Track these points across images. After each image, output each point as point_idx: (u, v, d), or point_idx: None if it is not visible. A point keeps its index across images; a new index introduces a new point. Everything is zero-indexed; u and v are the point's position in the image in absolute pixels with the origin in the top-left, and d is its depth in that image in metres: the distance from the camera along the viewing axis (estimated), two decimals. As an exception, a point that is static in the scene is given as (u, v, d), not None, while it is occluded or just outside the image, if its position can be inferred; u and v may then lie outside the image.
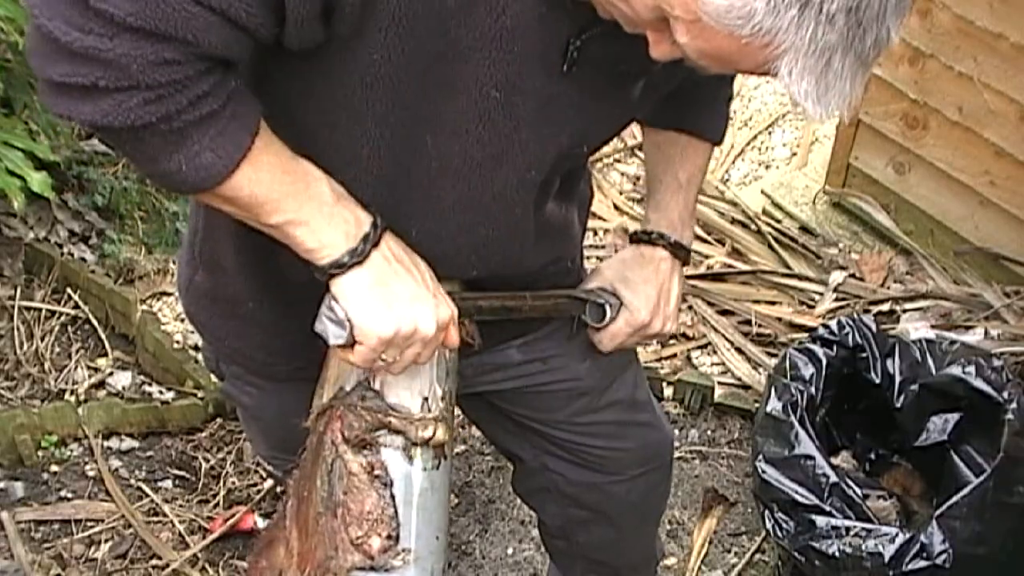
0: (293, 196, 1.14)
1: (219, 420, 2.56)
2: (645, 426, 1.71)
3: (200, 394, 2.57)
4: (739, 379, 2.75)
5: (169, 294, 2.88)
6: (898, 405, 2.27)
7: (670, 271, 1.51)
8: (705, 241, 3.14)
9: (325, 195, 1.16)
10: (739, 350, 2.80)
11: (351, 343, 1.21)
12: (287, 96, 1.16)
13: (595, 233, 3.13)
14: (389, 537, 1.27)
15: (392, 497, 1.27)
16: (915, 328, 2.57)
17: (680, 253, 1.52)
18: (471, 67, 1.11)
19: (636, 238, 1.53)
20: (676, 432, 2.54)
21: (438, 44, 1.08)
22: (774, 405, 2.18)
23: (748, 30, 0.94)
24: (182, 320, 2.76)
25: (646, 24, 1.04)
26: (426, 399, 1.32)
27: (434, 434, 1.30)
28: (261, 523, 2.33)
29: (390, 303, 1.19)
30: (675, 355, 2.83)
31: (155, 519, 2.36)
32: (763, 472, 2.11)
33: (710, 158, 1.59)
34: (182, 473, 2.48)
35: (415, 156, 1.19)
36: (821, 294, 2.96)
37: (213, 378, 2.33)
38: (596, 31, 1.13)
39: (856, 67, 0.97)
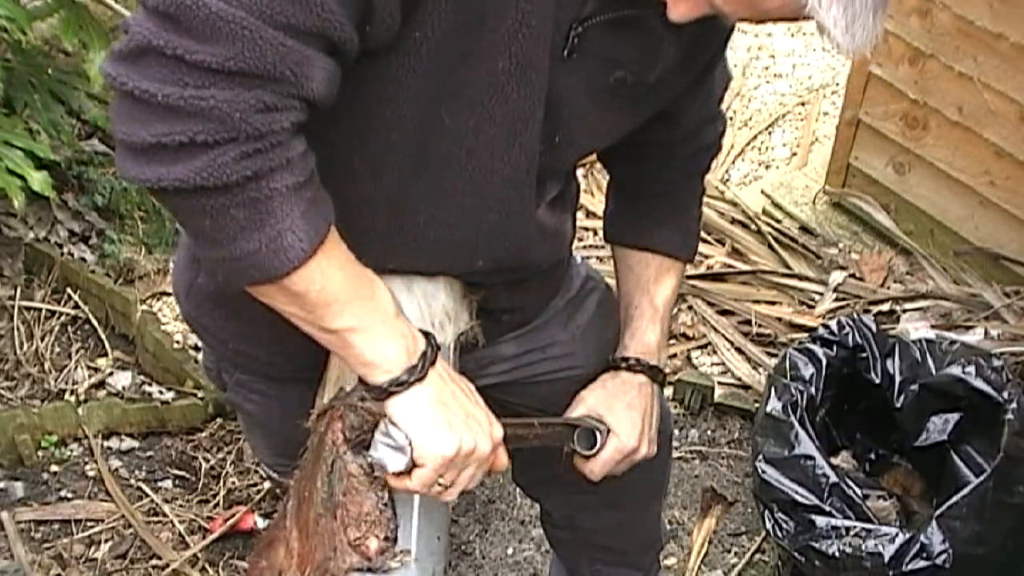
0: (360, 300, 1.11)
1: (219, 420, 2.56)
2: None
3: (200, 394, 2.57)
4: (739, 379, 2.75)
5: (169, 294, 2.88)
6: (898, 405, 2.27)
7: (650, 395, 1.55)
8: (705, 241, 3.14)
9: (388, 306, 1.14)
10: (739, 350, 2.80)
11: (410, 469, 1.20)
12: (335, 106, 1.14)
13: (595, 233, 3.13)
14: (387, 539, 1.27)
15: (391, 498, 1.27)
16: (915, 328, 2.57)
17: (657, 377, 1.56)
18: (493, 35, 1.09)
19: (615, 365, 1.55)
20: (676, 432, 2.54)
21: (471, 11, 1.07)
22: (774, 405, 2.18)
23: None
24: (182, 320, 2.76)
25: None
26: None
27: None
28: (261, 523, 2.33)
29: (451, 422, 1.19)
30: (675, 355, 2.83)
31: (155, 519, 2.36)
32: (763, 472, 2.11)
33: (683, 274, 1.64)
34: (182, 473, 2.48)
35: (433, 136, 1.16)
36: (821, 294, 2.96)
37: (213, 385, 2.34)
38: (596, 20, 1.14)
39: (875, 1, 1.00)
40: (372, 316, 1.12)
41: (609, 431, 1.50)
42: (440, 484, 1.22)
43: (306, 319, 1.11)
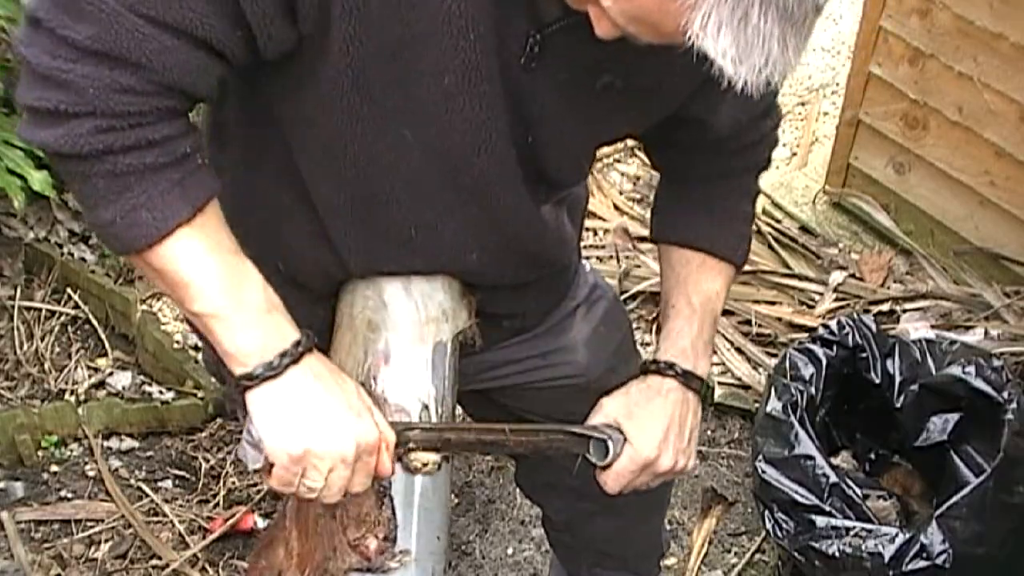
0: (221, 289, 1.12)
1: (219, 420, 2.56)
2: None
3: (200, 394, 2.57)
4: (739, 379, 2.74)
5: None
6: (898, 405, 2.27)
7: (680, 402, 1.42)
8: (705, 241, 3.14)
9: (256, 300, 1.14)
10: (739, 350, 2.80)
11: (268, 467, 1.18)
12: (271, 104, 1.18)
13: (595, 233, 3.13)
14: (386, 539, 1.27)
15: (390, 499, 1.27)
16: (915, 328, 2.57)
17: (693, 384, 1.43)
18: (429, 53, 1.10)
19: (644, 368, 1.45)
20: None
21: (394, 31, 1.08)
22: (774, 405, 2.18)
23: None
24: (182, 320, 2.76)
25: None
26: (425, 406, 1.32)
27: (430, 471, 1.30)
28: (261, 523, 2.33)
29: (302, 422, 1.16)
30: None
31: (155, 519, 2.36)
32: (763, 472, 2.11)
33: (731, 280, 1.50)
34: (182, 473, 2.47)
35: (397, 148, 1.18)
36: (821, 294, 2.95)
37: (213, 379, 2.33)
38: (558, 26, 1.12)
39: (783, 25, 0.92)
40: (234, 306, 1.13)
41: (625, 440, 1.40)
42: (306, 485, 1.19)
43: (171, 297, 1.15)
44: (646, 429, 1.40)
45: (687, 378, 1.42)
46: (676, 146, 1.43)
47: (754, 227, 3.09)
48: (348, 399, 1.20)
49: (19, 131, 1.08)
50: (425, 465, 1.30)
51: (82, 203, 1.12)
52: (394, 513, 1.28)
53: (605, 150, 3.41)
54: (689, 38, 0.93)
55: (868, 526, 2.00)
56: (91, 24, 1.00)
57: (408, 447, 1.29)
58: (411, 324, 1.33)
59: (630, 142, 3.43)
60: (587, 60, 1.16)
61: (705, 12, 0.91)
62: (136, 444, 2.52)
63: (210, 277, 1.12)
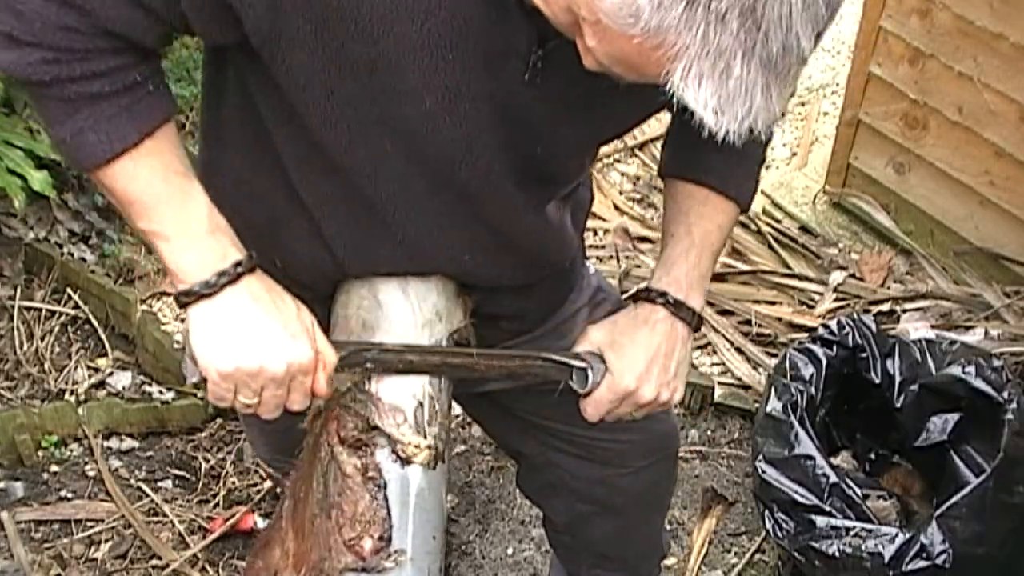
0: (165, 209, 1.17)
1: (219, 420, 2.56)
2: (649, 418, 1.71)
3: (200, 394, 2.56)
4: (739, 379, 2.74)
5: (169, 294, 2.88)
6: (898, 405, 2.27)
7: (669, 333, 1.38)
8: (705, 241, 3.14)
9: (198, 219, 1.18)
10: (739, 350, 2.80)
11: (203, 381, 1.20)
12: (260, 104, 1.21)
13: (595, 233, 3.13)
14: (381, 538, 1.27)
15: (386, 499, 1.27)
16: (915, 328, 2.57)
17: (684, 314, 1.39)
18: (408, 75, 1.11)
19: (635, 296, 1.42)
20: (676, 432, 2.54)
21: (368, 52, 1.09)
22: (774, 405, 2.18)
23: (638, 29, 0.90)
24: (182, 320, 2.76)
25: (568, 28, 1.02)
26: (420, 404, 1.32)
27: (423, 460, 1.30)
28: (261, 523, 2.33)
29: (234, 338, 1.18)
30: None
31: (155, 519, 2.36)
32: (763, 472, 2.11)
33: (734, 221, 1.47)
34: (182, 473, 2.48)
35: (378, 156, 1.20)
36: (821, 294, 2.95)
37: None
38: (560, 40, 1.10)
39: (766, 76, 0.91)
40: (177, 226, 1.17)
41: (607, 370, 1.37)
42: (241, 401, 1.21)
43: (123, 214, 1.21)
44: (628, 359, 1.37)
45: (678, 308, 1.39)
46: None
47: (754, 227, 3.15)
48: (285, 320, 1.21)
49: None
50: (418, 449, 1.29)
51: (42, 119, 1.19)
52: (389, 513, 1.27)
53: (605, 150, 3.41)
54: (670, 88, 0.92)
55: (868, 526, 2.00)
56: None
57: (366, 368, 1.29)
58: (405, 325, 1.33)
59: (630, 142, 3.46)
60: (584, 71, 1.15)
61: (686, 64, 0.90)
62: (136, 444, 2.52)
63: (155, 198, 1.17)
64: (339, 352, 1.26)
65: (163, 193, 1.17)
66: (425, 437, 1.30)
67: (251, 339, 1.19)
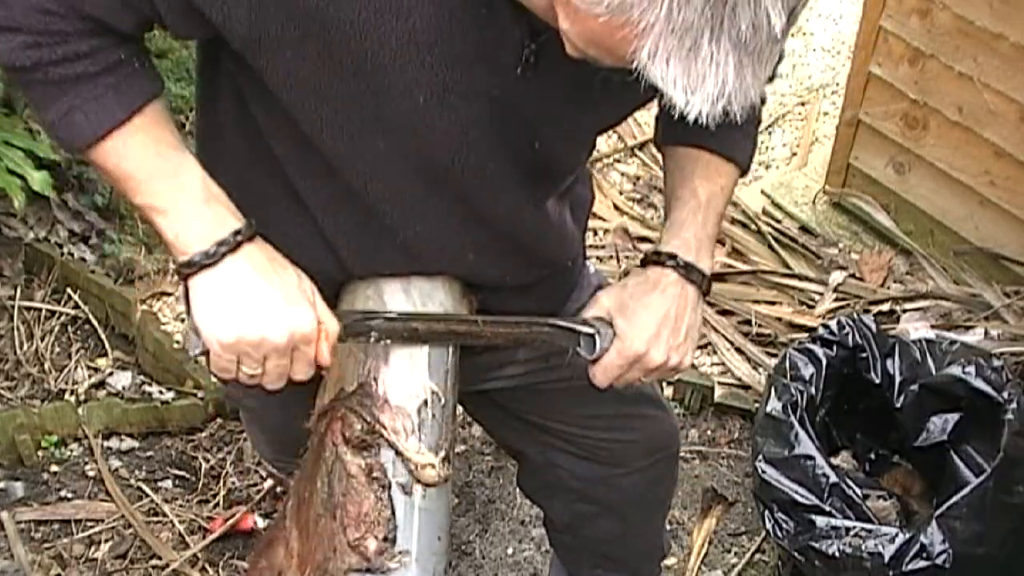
0: (160, 180, 1.17)
1: (219, 420, 2.56)
2: (650, 418, 1.71)
3: (200, 394, 2.57)
4: (739, 379, 2.74)
5: (169, 294, 2.88)
6: (898, 405, 2.27)
7: (679, 296, 1.36)
8: (705, 241, 3.13)
9: (194, 189, 1.18)
10: (739, 350, 2.80)
11: (206, 352, 1.19)
12: (253, 104, 1.21)
13: (595, 233, 3.13)
14: (385, 539, 1.27)
15: (390, 499, 1.27)
16: (915, 328, 2.57)
17: (694, 276, 1.36)
18: (396, 72, 1.11)
19: (644, 260, 1.40)
20: (676, 432, 2.54)
21: (354, 52, 1.09)
22: (774, 405, 2.18)
23: (603, 7, 0.90)
24: (182, 320, 2.76)
25: (545, 13, 1.01)
26: (425, 402, 1.32)
27: (429, 477, 1.30)
28: (261, 523, 2.33)
29: (235, 309, 1.18)
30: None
31: (155, 519, 2.36)
32: (763, 472, 2.11)
33: (735, 184, 1.45)
34: (182, 473, 2.47)
35: (371, 157, 1.19)
36: (821, 294, 2.95)
37: (213, 378, 2.33)
38: (553, 33, 1.09)
39: (737, 55, 0.89)
40: (172, 198, 1.17)
41: (616, 335, 1.34)
42: (244, 372, 1.20)
43: (119, 191, 1.21)
44: (637, 323, 1.34)
45: (688, 270, 1.36)
46: None
47: (754, 227, 3.15)
48: (286, 288, 1.20)
49: None
50: (431, 467, 1.29)
51: (30, 105, 1.21)
52: (394, 513, 1.27)
53: (605, 150, 3.42)
54: (637, 68, 0.91)
55: (868, 526, 2.00)
56: None
57: (371, 337, 1.28)
58: (411, 324, 1.32)
59: (630, 142, 3.46)
60: (578, 63, 1.15)
61: (652, 42, 0.89)
62: (136, 444, 2.52)
63: (148, 173, 1.17)
64: (343, 321, 1.25)
65: (156, 167, 1.17)
66: (436, 454, 1.30)
67: (252, 308, 1.18)
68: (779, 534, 2.08)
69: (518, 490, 2.13)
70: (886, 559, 1.96)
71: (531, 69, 1.14)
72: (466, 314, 1.35)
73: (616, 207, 3.27)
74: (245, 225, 1.19)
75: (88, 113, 1.14)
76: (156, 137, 1.17)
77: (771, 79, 1.40)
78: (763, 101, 1.42)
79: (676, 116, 0.93)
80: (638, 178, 3.41)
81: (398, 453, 1.28)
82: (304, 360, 1.22)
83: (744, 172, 1.45)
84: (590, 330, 1.35)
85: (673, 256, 1.36)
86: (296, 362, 1.22)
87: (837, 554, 1.99)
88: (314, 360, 1.23)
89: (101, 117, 1.14)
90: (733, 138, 1.42)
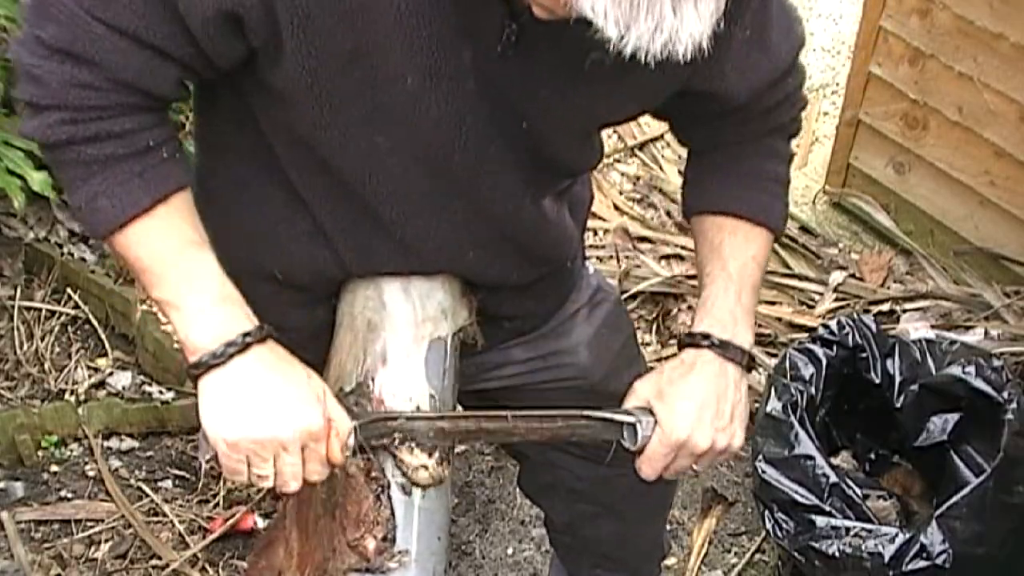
0: (176, 278, 1.16)
1: (219, 420, 2.56)
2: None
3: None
4: (739, 379, 2.74)
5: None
6: (898, 405, 2.27)
7: (718, 375, 1.32)
8: (705, 241, 3.13)
9: (208, 289, 1.17)
10: (739, 350, 2.80)
11: (215, 455, 1.18)
12: (253, 109, 1.21)
13: (595, 233, 3.13)
14: (385, 539, 1.27)
15: (389, 499, 1.27)
16: (915, 328, 2.56)
17: (731, 353, 1.32)
18: (387, 58, 1.11)
19: (680, 343, 1.37)
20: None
21: (346, 41, 1.09)
22: (774, 405, 2.18)
23: None
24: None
25: None
26: (420, 403, 1.31)
27: (422, 479, 1.29)
28: (261, 523, 2.33)
29: (240, 407, 1.17)
30: (675, 355, 2.83)
31: (155, 519, 2.36)
32: (763, 472, 2.11)
33: (768, 247, 1.40)
34: (182, 473, 2.47)
35: (370, 155, 1.19)
36: (821, 294, 2.95)
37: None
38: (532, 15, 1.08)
39: None
40: (186, 295, 1.17)
41: (657, 423, 1.30)
42: (256, 474, 1.19)
43: (139, 284, 1.23)
44: (677, 409, 1.30)
45: (724, 348, 1.32)
46: (698, 119, 1.38)
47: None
48: (294, 387, 1.19)
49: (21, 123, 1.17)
50: (424, 468, 1.28)
51: (63, 189, 1.21)
52: (393, 513, 1.27)
53: (605, 150, 3.41)
54: (566, 3, 0.89)
55: (868, 526, 2.00)
56: (55, 24, 1.08)
57: (393, 438, 1.26)
58: (409, 324, 1.33)
59: (630, 142, 3.45)
60: (571, 40, 1.10)
61: None
62: (136, 444, 2.52)
63: (165, 265, 1.17)
64: (362, 420, 1.24)
65: (173, 261, 1.17)
66: (430, 455, 1.29)
67: (258, 407, 1.17)
68: (779, 534, 2.08)
69: (518, 490, 2.14)
70: (886, 559, 1.96)
71: (512, 48, 1.14)
72: (495, 412, 1.32)
73: (616, 207, 3.27)
74: (255, 327, 1.19)
75: (113, 198, 1.14)
76: (177, 230, 1.17)
77: (798, 49, 1.37)
78: (789, 158, 1.44)
79: (612, 53, 0.89)
80: (638, 178, 3.40)
81: (391, 454, 1.28)
82: (316, 459, 1.20)
83: (778, 234, 1.41)
84: (630, 419, 1.31)
85: (707, 336, 1.33)
86: (308, 461, 1.20)
87: (837, 554, 1.99)
88: (327, 459, 1.21)
89: (125, 202, 1.14)
90: (760, 201, 1.40)
